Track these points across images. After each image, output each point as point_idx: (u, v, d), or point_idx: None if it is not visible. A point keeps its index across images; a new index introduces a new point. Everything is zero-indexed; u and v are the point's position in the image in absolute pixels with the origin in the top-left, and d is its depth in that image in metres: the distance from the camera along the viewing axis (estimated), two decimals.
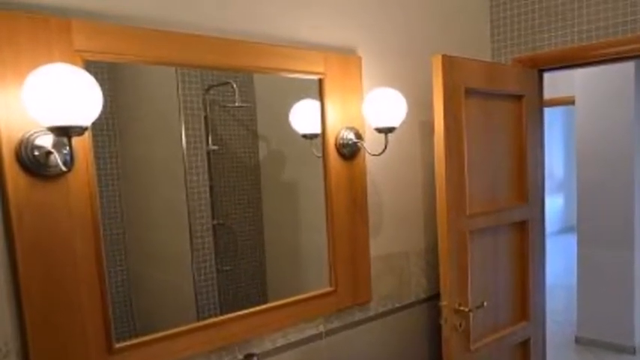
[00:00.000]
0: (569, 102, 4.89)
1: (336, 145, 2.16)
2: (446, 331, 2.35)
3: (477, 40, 2.89)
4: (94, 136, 1.58)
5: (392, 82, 2.41)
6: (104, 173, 1.62)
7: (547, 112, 3.00)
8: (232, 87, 1.96)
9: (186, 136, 1.84)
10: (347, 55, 2.20)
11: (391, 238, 2.49)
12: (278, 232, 2.20)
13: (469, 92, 2.37)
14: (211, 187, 1.92)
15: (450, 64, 2.27)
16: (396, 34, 2.46)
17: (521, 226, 2.75)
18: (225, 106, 1.96)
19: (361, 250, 2.28)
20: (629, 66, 4.38)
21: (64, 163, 1.45)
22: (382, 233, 2.45)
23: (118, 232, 1.67)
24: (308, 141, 2.15)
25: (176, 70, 1.80)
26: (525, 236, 2.76)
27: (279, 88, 2.12)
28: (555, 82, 4.05)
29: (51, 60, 1.43)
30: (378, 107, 2.08)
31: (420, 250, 2.65)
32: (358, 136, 2.20)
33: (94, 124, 1.42)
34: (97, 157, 1.58)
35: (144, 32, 1.64)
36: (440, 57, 2.24)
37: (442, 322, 2.34)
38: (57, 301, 1.50)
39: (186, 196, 1.85)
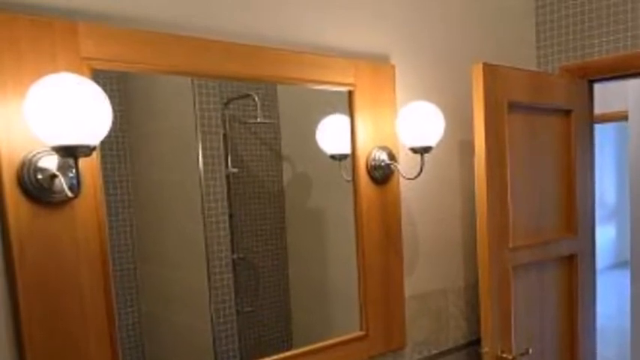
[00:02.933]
0: (622, 117, 4.90)
1: (367, 167, 2.18)
2: None
3: (521, 46, 2.93)
4: (103, 157, 1.60)
5: (428, 94, 2.43)
6: (113, 199, 1.65)
7: (597, 129, 3.03)
8: (254, 100, 1.99)
9: (204, 156, 1.87)
10: (379, 64, 2.23)
11: (427, 275, 2.52)
12: (304, 268, 2.22)
13: (512, 106, 2.41)
14: (231, 216, 1.94)
15: (491, 74, 2.30)
16: (434, 39, 2.50)
17: (570, 261, 2.78)
18: (245, 123, 1.99)
19: (395, 289, 2.30)
20: None
21: (70, 188, 1.45)
22: (418, 269, 2.47)
23: (129, 267, 1.69)
24: (336, 162, 2.18)
25: (192, 81, 1.83)
26: (574, 272, 2.78)
27: (304, 102, 2.16)
28: (605, 95, 4.05)
29: (55, 69, 1.45)
30: (414, 124, 2.10)
31: (459, 287, 2.67)
32: (391, 157, 2.23)
33: (102, 143, 1.44)
34: (105, 181, 1.60)
35: (157, 37, 1.66)
36: (480, 66, 2.27)
37: None
38: (61, 344, 1.51)
39: (204, 225, 1.87)
